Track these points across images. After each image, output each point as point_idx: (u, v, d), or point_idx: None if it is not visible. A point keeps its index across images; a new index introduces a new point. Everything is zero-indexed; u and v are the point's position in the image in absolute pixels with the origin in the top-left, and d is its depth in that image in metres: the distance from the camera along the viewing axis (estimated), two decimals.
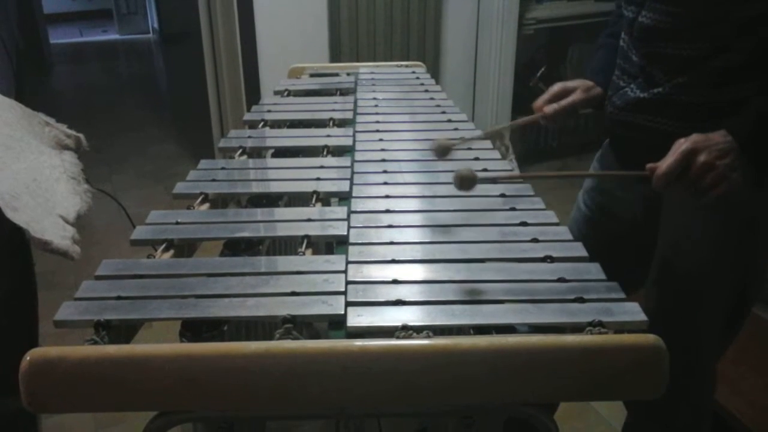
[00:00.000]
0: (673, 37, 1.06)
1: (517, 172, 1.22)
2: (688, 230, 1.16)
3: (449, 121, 1.44)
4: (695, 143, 0.97)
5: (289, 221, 1.03)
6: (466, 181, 0.99)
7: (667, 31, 1.07)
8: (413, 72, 1.87)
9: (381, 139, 1.34)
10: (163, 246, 0.95)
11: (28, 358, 0.67)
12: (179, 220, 1.01)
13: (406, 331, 0.74)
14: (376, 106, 1.56)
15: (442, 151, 1.16)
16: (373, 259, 0.90)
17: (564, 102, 1.24)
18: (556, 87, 1.27)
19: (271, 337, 0.74)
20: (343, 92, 1.69)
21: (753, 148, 0.98)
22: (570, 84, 1.27)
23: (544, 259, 0.90)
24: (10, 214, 1.14)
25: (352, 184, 1.14)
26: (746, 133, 0.98)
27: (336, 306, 0.79)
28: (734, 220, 1.11)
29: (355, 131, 1.39)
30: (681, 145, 0.97)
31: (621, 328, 0.76)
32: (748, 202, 1.10)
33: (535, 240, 0.94)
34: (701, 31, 1.03)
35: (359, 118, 1.47)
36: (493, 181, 1.13)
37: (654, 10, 1.07)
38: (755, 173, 1.02)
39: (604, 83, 1.25)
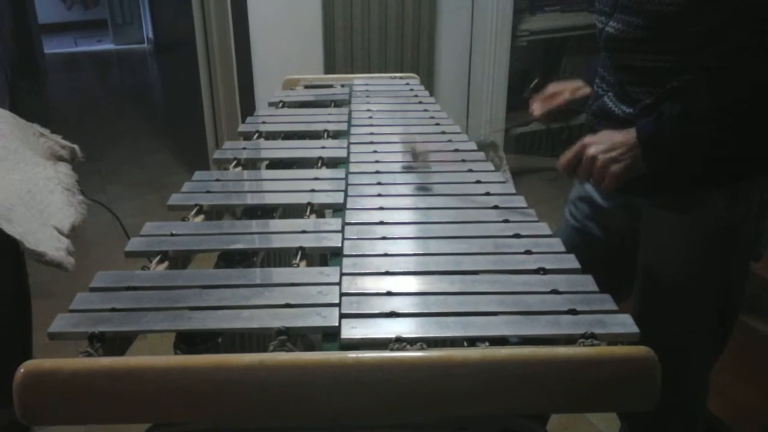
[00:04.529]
0: (637, 47, 1.09)
1: (509, 180, 1.26)
2: (668, 240, 1.18)
3: (443, 132, 1.45)
4: (591, 138, 1.08)
5: (283, 233, 1.03)
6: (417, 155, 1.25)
7: (630, 41, 1.09)
8: (407, 84, 1.88)
9: (375, 151, 1.35)
10: (158, 258, 0.95)
11: (22, 369, 0.67)
12: (174, 232, 1.01)
13: (400, 343, 0.74)
14: (370, 117, 1.56)
15: (417, 156, 1.26)
16: (367, 271, 0.90)
17: (552, 103, 1.36)
18: (549, 88, 1.39)
19: (265, 349, 0.75)
20: (338, 104, 1.70)
21: (648, 145, 1.04)
22: (562, 85, 1.37)
23: (537, 271, 0.90)
24: (5, 226, 1.15)
25: (346, 195, 1.15)
26: (646, 130, 1.05)
27: (330, 318, 0.80)
28: (712, 230, 1.13)
29: (350, 143, 1.39)
30: (582, 140, 1.08)
31: (613, 339, 0.77)
32: (725, 212, 1.11)
33: (528, 252, 0.95)
34: (661, 43, 1.06)
35: (354, 130, 1.48)
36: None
37: (620, 21, 1.10)
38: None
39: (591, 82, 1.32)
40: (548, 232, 1.01)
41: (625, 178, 1.05)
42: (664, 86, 1.07)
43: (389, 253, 0.95)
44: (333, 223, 1.05)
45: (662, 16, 1.04)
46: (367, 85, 1.85)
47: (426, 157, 1.25)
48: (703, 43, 1.02)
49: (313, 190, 1.16)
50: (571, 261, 0.93)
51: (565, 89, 1.36)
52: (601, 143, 1.06)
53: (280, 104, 1.69)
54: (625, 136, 1.05)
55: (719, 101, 1.02)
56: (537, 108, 1.38)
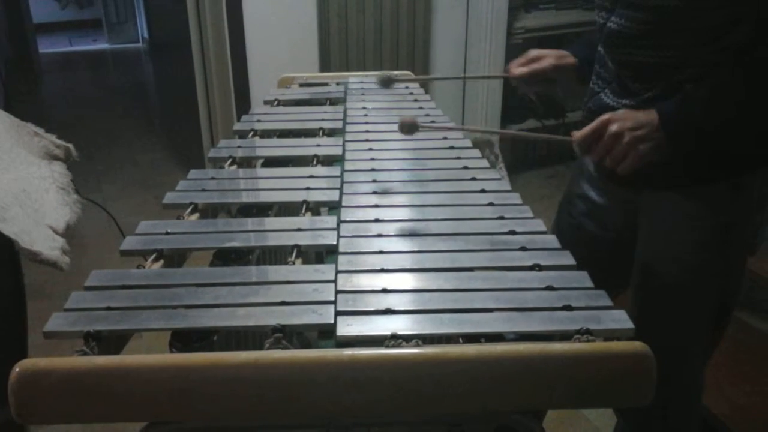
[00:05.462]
0: (639, 43, 1.09)
1: (505, 177, 1.25)
2: (668, 235, 1.17)
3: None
4: (614, 115, 1.04)
5: (279, 231, 1.03)
6: (407, 127, 1.13)
7: (633, 37, 1.09)
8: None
9: (371, 149, 1.35)
10: (153, 256, 0.95)
11: (17, 369, 0.67)
12: (169, 230, 1.01)
13: (396, 340, 0.74)
14: (365, 115, 1.56)
15: (408, 129, 1.16)
16: (362, 269, 0.90)
17: (534, 66, 1.34)
18: (532, 53, 1.37)
19: (261, 347, 0.75)
20: (333, 102, 1.70)
21: (671, 126, 1.01)
22: (544, 51, 1.36)
23: (532, 268, 0.90)
24: (0, 225, 1.14)
25: (341, 193, 1.15)
26: (668, 110, 1.02)
27: (326, 315, 0.80)
28: (713, 225, 1.13)
29: (345, 140, 1.39)
30: (602, 116, 1.04)
31: (609, 335, 0.77)
32: (726, 207, 1.11)
33: (523, 248, 0.95)
34: (665, 38, 1.05)
35: (349, 128, 1.48)
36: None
37: (621, 16, 1.10)
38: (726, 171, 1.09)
39: (578, 54, 1.33)
40: (543, 228, 1.01)
41: (648, 159, 1.01)
42: (666, 81, 1.07)
43: (385, 250, 0.95)
44: (328, 220, 1.05)
45: (665, 11, 1.03)
46: (362, 83, 1.85)
47: (415, 129, 1.16)
48: (706, 39, 1.02)
49: (308, 188, 1.16)
50: (567, 257, 0.93)
51: (549, 55, 1.34)
52: (625, 120, 1.02)
53: (276, 102, 1.69)
54: (648, 116, 1.02)
55: (743, 92, 1.02)
56: (516, 69, 1.36)
